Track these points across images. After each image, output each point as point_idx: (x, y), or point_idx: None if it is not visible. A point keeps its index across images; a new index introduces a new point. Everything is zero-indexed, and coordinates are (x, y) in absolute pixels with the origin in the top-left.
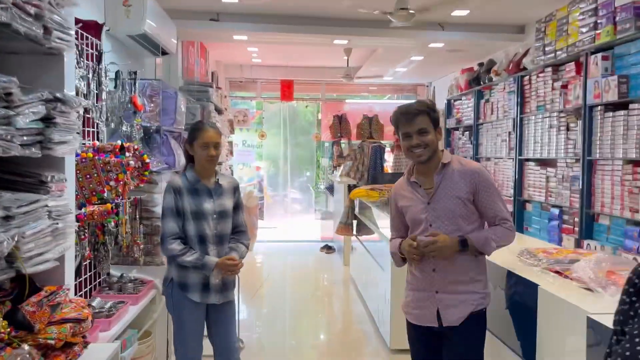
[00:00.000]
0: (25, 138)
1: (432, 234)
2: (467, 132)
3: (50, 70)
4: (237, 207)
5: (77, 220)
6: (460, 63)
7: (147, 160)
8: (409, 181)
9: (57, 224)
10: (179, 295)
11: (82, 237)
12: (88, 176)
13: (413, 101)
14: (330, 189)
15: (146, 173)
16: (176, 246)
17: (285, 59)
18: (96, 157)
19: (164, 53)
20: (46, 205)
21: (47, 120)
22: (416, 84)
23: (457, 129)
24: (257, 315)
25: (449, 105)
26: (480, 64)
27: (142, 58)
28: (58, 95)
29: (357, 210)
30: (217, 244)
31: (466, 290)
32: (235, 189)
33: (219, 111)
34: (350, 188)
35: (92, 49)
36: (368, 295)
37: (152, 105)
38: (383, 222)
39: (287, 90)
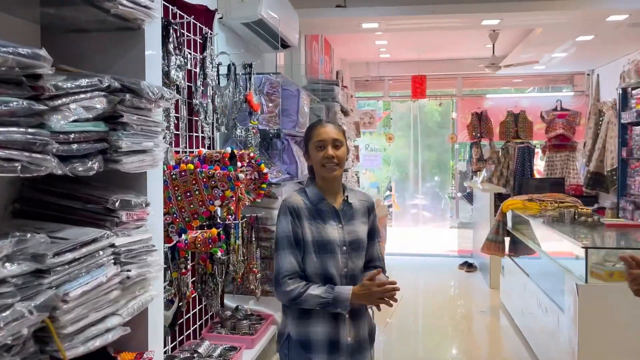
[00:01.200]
0: (74, 147)
1: None
2: None
3: (127, 51)
4: (373, 233)
5: (177, 251)
6: (638, 42)
7: (265, 171)
8: None
9: (129, 270)
10: (298, 357)
11: (184, 270)
12: (188, 194)
13: None
14: (469, 196)
15: (264, 186)
16: (296, 285)
17: (416, 52)
18: (198, 170)
19: (285, 46)
20: (112, 245)
21: (113, 120)
22: (573, 73)
23: (637, 124)
24: (385, 341)
25: (625, 96)
26: None
27: (261, 52)
28: (126, 82)
29: (509, 224)
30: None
31: None
32: (370, 210)
33: (345, 112)
34: (496, 197)
35: (200, 36)
36: (531, 333)
37: (271, 105)
38: (549, 243)
39: (419, 86)
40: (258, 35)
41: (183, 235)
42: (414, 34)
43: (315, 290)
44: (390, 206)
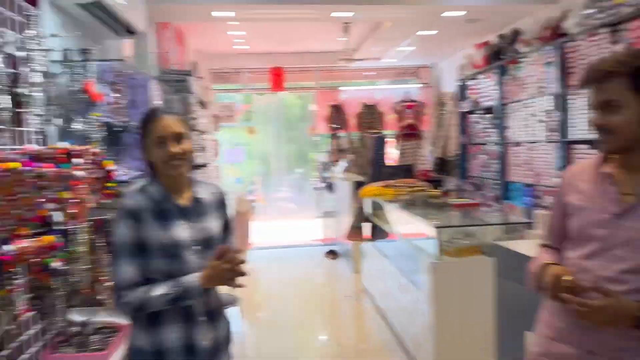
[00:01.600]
0: None
1: (599, 291)
2: (489, 115)
3: None
4: (227, 229)
5: (1, 265)
6: (473, 38)
7: (110, 168)
8: (596, 170)
9: None
10: None
11: (8, 289)
12: (12, 197)
13: (617, 52)
14: (330, 186)
15: (109, 185)
16: (136, 294)
17: (274, 44)
18: (25, 169)
19: (131, 33)
20: None
21: None
22: (419, 66)
23: (473, 112)
24: (255, 336)
25: (462, 87)
26: (501, 36)
27: (102, 39)
28: None
29: (369, 211)
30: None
31: None
32: (222, 203)
33: (202, 105)
34: (355, 186)
35: (22, 15)
36: (392, 313)
37: (118, 95)
38: (404, 226)
39: (277, 79)
40: (98, 19)
41: (7, 246)
42: (271, 26)
43: (159, 289)
44: (254, 200)
